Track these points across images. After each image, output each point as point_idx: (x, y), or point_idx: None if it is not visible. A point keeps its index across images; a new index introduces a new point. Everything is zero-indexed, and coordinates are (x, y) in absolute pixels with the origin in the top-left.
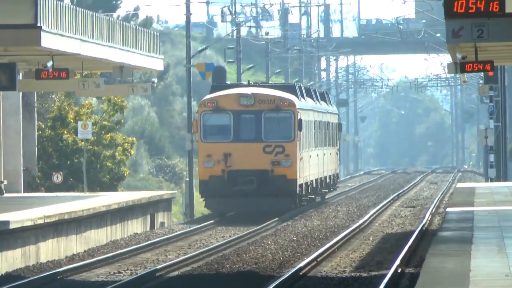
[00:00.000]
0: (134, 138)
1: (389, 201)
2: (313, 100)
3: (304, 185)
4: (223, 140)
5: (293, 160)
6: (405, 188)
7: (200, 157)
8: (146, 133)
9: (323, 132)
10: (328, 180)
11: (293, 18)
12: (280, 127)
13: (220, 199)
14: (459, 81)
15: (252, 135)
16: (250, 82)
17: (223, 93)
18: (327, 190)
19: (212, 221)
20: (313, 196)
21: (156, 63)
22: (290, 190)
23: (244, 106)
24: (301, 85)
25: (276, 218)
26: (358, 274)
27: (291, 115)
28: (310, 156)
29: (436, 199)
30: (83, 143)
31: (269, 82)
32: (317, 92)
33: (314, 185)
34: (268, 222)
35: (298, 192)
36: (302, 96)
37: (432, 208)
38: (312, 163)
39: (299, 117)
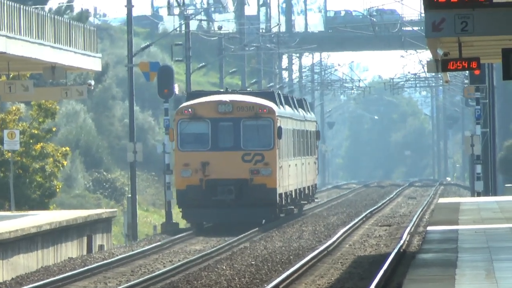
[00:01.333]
0: (68, 148)
1: (361, 219)
2: (291, 108)
3: (283, 195)
4: (200, 149)
5: (273, 168)
6: (379, 204)
7: (177, 166)
8: (82, 143)
9: (301, 141)
10: (306, 191)
11: (250, 10)
12: (260, 135)
13: (198, 209)
14: (441, 81)
15: (231, 143)
16: (228, 89)
17: (201, 100)
18: (306, 202)
19: (159, 243)
20: (292, 207)
21: (93, 63)
22: (270, 200)
23: (222, 114)
24: (279, 92)
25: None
26: None
27: (270, 122)
28: (289, 165)
29: (415, 216)
30: (10, 154)
31: (248, 89)
32: (295, 99)
33: (293, 195)
34: (223, 244)
35: (278, 201)
36: (281, 103)
37: (411, 227)
38: (292, 173)
39: (278, 125)
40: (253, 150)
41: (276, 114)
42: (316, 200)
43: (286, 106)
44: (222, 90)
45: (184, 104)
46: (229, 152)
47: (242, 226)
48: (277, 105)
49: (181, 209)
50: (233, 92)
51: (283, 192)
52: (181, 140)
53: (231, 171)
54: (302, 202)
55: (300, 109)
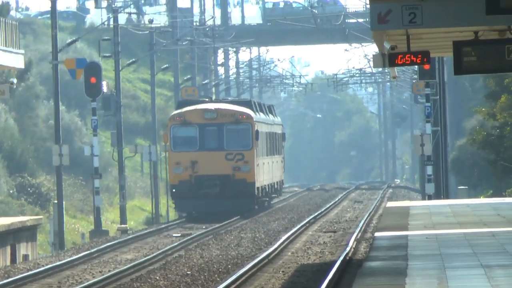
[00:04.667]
0: None
1: (304, 225)
2: (264, 113)
3: (260, 188)
4: (190, 149)
5: (252, 166)
6: (323, 209)
7: (170, 164)
8: (5, 146)
9: (272, 142)
10: (276, 186)
11: (183, 2)
12: (240, 138)
13: (188, 200)
14: (388, 76)
15: (216, 145)
16: (212, 98)
17: (190, 108)
18: (276, 195)
19: (87, 252)
20: (267, 199)
21: (15, 60)
22: (249, 192)
23: (208, 120)
24: (255, 100)
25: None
26: None
27: (249, 127)
28: (264, 163)
29: (362, 221)
30: None
31: (228, 98)
32: (266, 106)
33: (267, 189)
34: (156, 253)
35: (256, 194)
36: (257, 110)
37: (357, 233)
38: (265, 170)
39: (256, 129)
40: (235, 150)
41: (254, 119)
42: (283, 194)
43: (261, 113)
44: (207, 99)
45: (176, 111)
46: (214, 152)
47: (223, 215)
48: (254, 112)
49: (173, 201)
50: (216, 101)
51: (259, 186)
52: (174, 142)
53: (216, 168)
54: (272, 195)
55: (270, 114)
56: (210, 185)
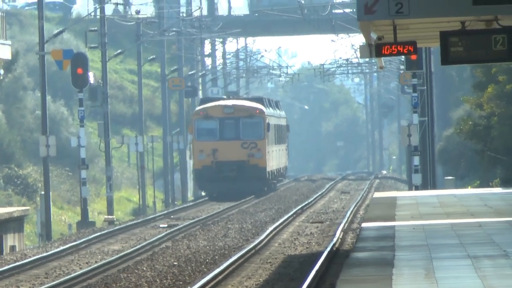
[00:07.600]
0: None
1: (291, 215)
2: (273, 108)
3: (270, 173)
4: (211, 139)
5: (264, 153)
6: (310, 200)
7: (195, 152)
8: None
9: (279, 132)
10: (282, 171)
11: None
12: (253, 129)
13: (210, 183)
14: (375, 67)
15: (233, 135)
16: (230, 96)
17: (211, 104)
18: (281, 178)
19: (74, 243)
20: (275, 182)
21: (2, 51)
22: (261, 176)
23: (227, 114)
24: (266, 97)
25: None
26: None
27: (261, 120)
28: (273, 151)
29: (349, 212)
30: None
31: (243, 96)
32: (273, 101)
33: (275, 173)
34: (143, 244)
35: (267, 177)
36: (267, 105)
37: (344, 224)
38: (274, 156)
39: (267, 122)
40: (249, 140)
41: (265, 114)
42: (286, 180)
43: (270, 108)
44: (225, 97)
45: (199, 107)
46: (232, 141)
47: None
48: (265, 107)
49: (197, 183)
50: (233, 98)
51: (269, 170)
52: (198, 133)
53: (233, 155)
54: (279, 178)
55: (277, 109)
56: (228, 169)
